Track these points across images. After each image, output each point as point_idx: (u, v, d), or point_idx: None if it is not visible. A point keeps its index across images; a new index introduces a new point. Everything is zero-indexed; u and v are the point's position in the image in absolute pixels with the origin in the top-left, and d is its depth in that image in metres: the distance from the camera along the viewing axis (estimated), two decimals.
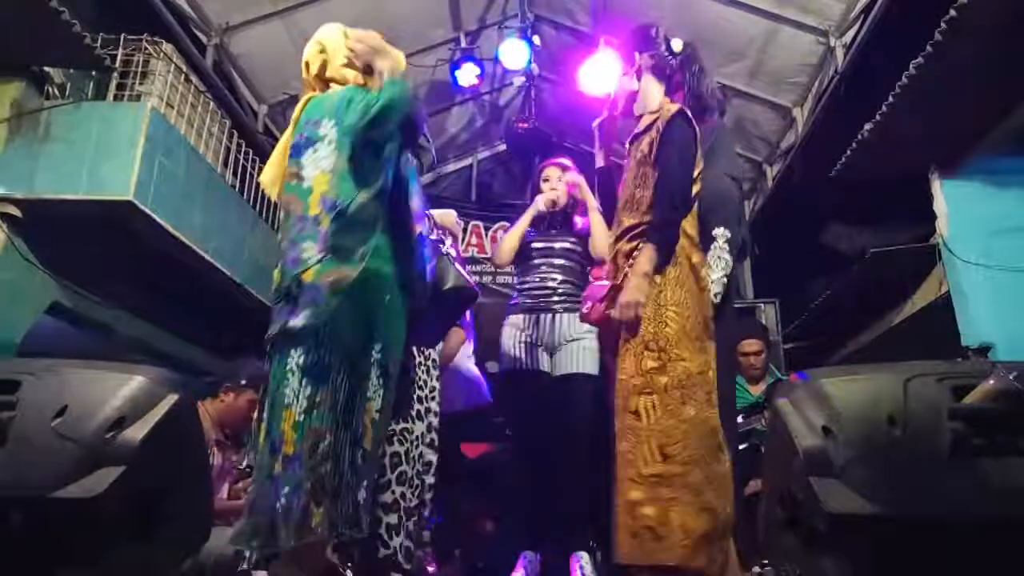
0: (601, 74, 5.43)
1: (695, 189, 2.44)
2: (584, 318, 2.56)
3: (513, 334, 3.21)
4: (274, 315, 1.97)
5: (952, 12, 3.22)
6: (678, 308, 2.28)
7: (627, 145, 2.62)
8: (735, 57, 5.63)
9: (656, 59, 2.58)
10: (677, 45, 2.60)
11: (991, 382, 1.38)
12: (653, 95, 2.56)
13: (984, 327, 3.94)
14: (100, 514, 1.47)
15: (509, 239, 3.36)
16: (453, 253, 2.53)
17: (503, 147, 7.84)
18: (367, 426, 1.90)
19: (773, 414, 1.67)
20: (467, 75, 6.16)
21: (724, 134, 3.03)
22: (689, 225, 2.40)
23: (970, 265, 4.08)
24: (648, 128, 2.47)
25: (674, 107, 2.47)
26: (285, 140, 2.19)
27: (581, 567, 2.88)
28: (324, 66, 2.24)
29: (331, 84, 2.23)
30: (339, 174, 1.99)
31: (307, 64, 2.28)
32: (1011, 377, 1.37)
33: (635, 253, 2.36)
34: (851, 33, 4.79)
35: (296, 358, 1.86)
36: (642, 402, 2.19)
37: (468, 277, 2.41)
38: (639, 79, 2.57)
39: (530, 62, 6.23)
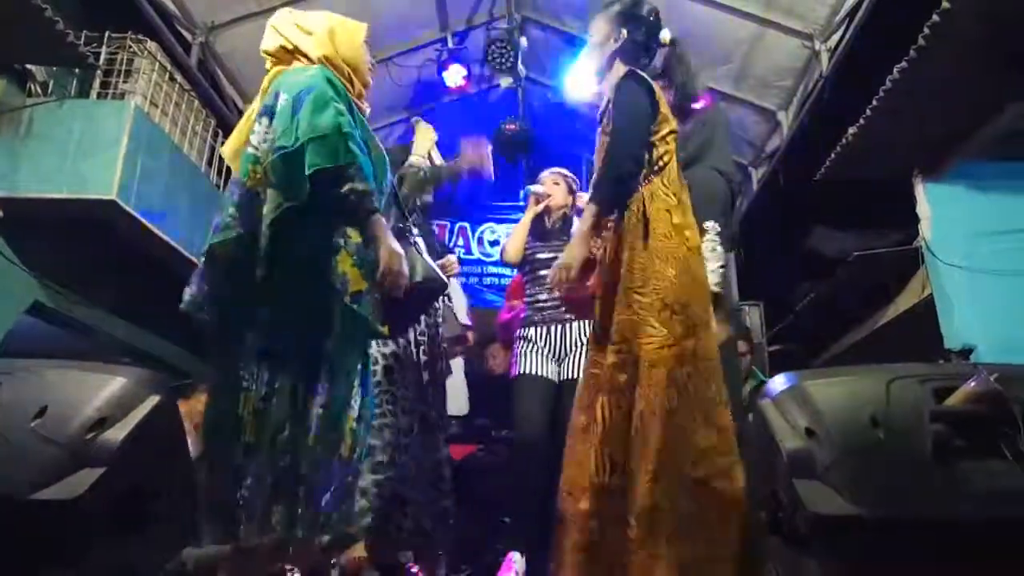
0: (588, 78, 5.44)
1: (663, 149, 2.31)
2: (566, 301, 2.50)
3: (523, 345, 3.23)
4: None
5: (935, 17, 3.25)
6: (645, 288, 2.14)
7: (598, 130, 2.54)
8: (721, 60, 5.65)
9: (637, 44, 2.49)
10: (665, 36, 2.54)
11: (972, 384, 1.40)
12: (617, 73, 2.43)
13: (967, 329, 3.97)
14: (81, 515, 1.45)
15: (513, 238, 3.38)
16: (422, 245, 2.50)
17: (490, 149, 7.83)
18: (345, 433, 1.86)
19: (757, 416, 1.68)
20: (454, 76, 6.15)
21: (718, 129, 3.02)
22: (679, 214, 2.30)
23: (953, 268, 4.11)
24: (607, 104, 2.41)
25: (622, 69, 2.39)
26: (249, 111, 2.14)
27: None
28: (298, 44, 2.16)
29: (290, 53, 2.16)
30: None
31: (276, 38, 2.21)
32: (992, 379, 1.38)
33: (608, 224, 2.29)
34: (836, 37, 4.81)
35: (250, 341, 1.83)
36: (592, 399, 2.12)
37: (436, 268, 2.37)
38: (613, 56, 2.49)
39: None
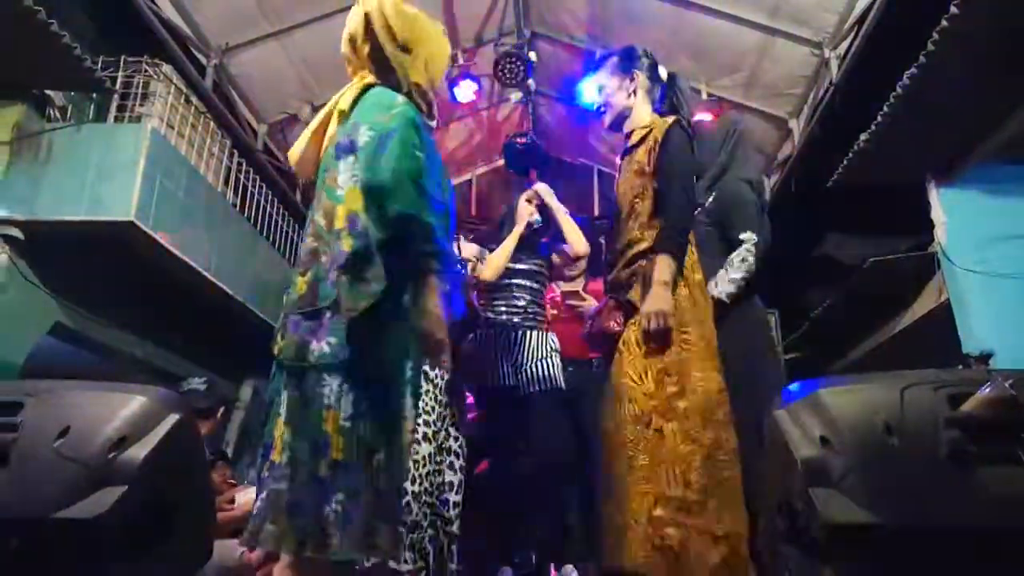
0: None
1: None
2: (590, 334, 2.54)
3: (485, 352, 3.25)
4: (291, 326, 1.80)
5: (944, 21, 3.25)
6: (695, 328, 2.28)
7: (619, 160, 2.63)
8: (731, 70, 5.67)
9: (651, 81, 2.60)
10: (663, 72, 2.64)
11: (987, 390, 1.39)
12: (643, 112, 2.58)
13: (984, 335, 3.94)
14: (102, 534, 1.47)
15: (499, 259, 3.35)
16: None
17: (502, 162, 7.89)
18: (405, 448, 1.84)
19: (772, 425, 1.68)
20: (465, 91, 6.20)
21: (740, 138, 3.06)
22: (692, 244, 2.41)
23: (969, 273, 4.09)
24: (642, 140, 2.48)
25: (670, 119, 2.48)
26: (322, 120, 2.00)
27: None
28: (374, 47, 1.99)
29: (382, 68, 1.99)
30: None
31: (351, 39, 2.02)
32: (1007, 385, 1.37)
33: (641, 264, 2.36)
34: (845, 44, 4.82)
35: (338, 379, 1.75)
36: (665, 424, 2.18)
37: (475, 303, 2.41)
38: (635, 96, 2.59)
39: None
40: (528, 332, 3.24)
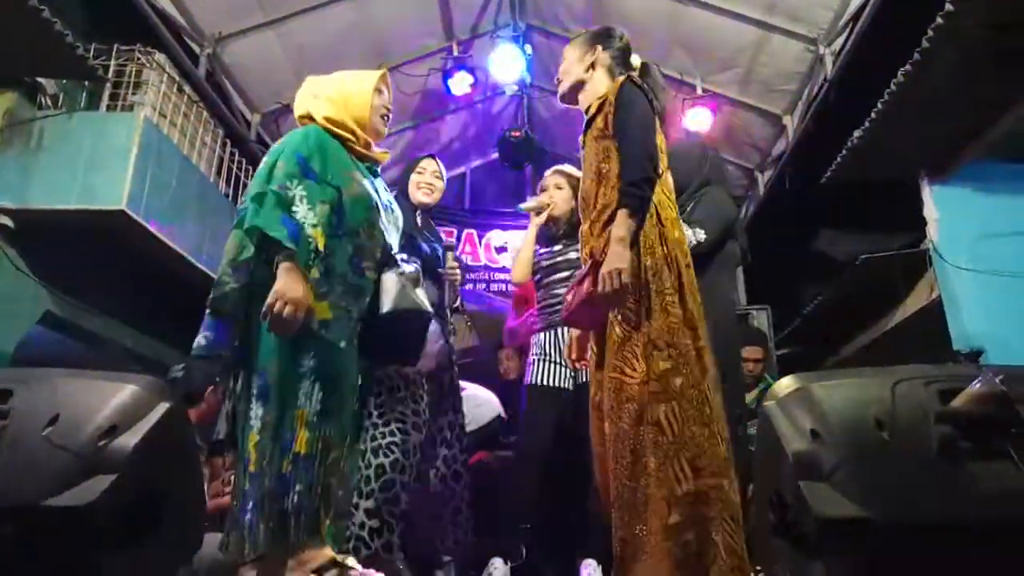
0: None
1: (660, 157, 2.33)
2: (567, 311, 2.44)
3: (537, 353, 3.23)
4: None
5: (939, 19, 3.26)
6: (676, 290, 2.14)
7: (581, 137, 2.54)
8: (726, 65, 5.67)
9: (614, 60, 2.52)
10: (636, 61, 2.57)
11: (978, 386, 1.39)
12: (600, 86, 2.44)
13: (975, 331, 3.97)
14: (93, 522, 1.46)
15: (519, 260, 3.33)
16: (409, 269, 2.45)
17: (496, 155, 7.87)
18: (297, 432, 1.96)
19: (763, 418, 1.68)
20: (460, 84, 6.18)
21: (718, 159, 3.14)
22: (667, 206, 2.30)
23: (960, 270, 4.11)
24: (599, 110, 2.39)
25: (617, 77, 2.38)
26: None
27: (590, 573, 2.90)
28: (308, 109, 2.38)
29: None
30: None
31: (299, 108, 2.43)
32: (998, 381, 1.38)
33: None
34: (840, 41, 4.82)
35: (309, 364, 2.01)
36: (663, 411, 1.99)
37: (420, 299, 2.34)
38: (593, 70, 2.51)
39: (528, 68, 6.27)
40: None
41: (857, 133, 4.17)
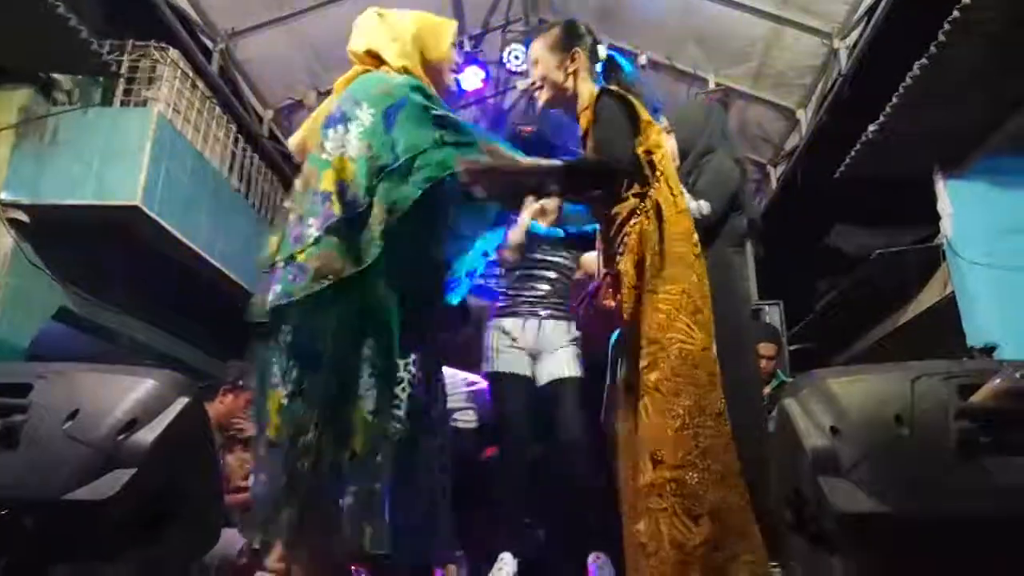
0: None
1: (659, 153, 2.33)
2: (579, 317, 2.46)
3: (499, 337, 3.23)
4: (259, 288, 1.85)
5: (955, 12, 3.23)
6: (671, 286, 2.10)
7: (581, 151, 2.55)
8: (739, 59, 5.64)
9: (590, 59, 2.50)
10: (602, 52, 2.55)
11: (998, 381, 1.39)
12: (587, 93, 2.41)
13: (989, 327, 3.94)
14: (111, 516, 1.48)
15: (516, 235, 3.33)
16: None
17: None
18: (357, 427, 1.79)
19: (781, 414, 1.67)
20: (471, 78, 6.17)
21: (725, 120, 3.06)
22: (687, 218, 2.31)
23: (975, 265, 4.08)
24: (588, 126, 2.41)
25: (596, 89, 2.35)
26: (322, 109, 2.07)
27: (598, 567, 2.90)
28: (380, 50, 2.08)
29: (381, 64, 2.07)
30: (361, 167, 1.84)
31: (361, 39, 2.11)
32: (1018, 376, 1.37)
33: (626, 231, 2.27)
34: (854, 35, 4.79)
35: (284, 334, 1.78)
36: (641, 405, 2.03)
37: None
38: (576, 78, 2.49)
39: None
40: (545, 322, 3.23)
41: (872, 127, 4.15)
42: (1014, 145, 4.11)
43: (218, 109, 5.29)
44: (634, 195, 2.23)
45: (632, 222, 2.22)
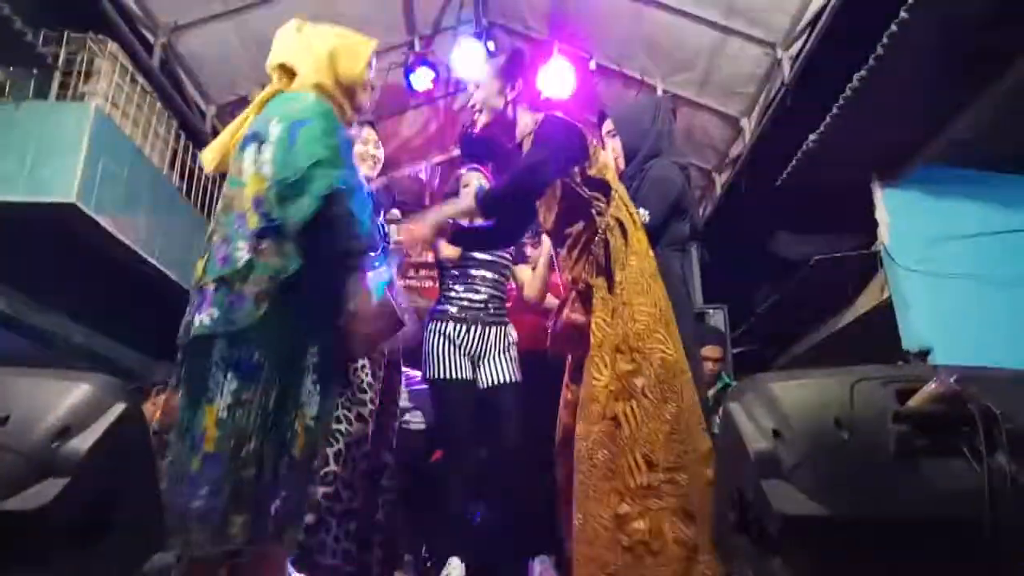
0: (557, 80, 5.58)
1: (609, 175, 2.43)
2: (555, 333, 2.50)
3: (441, 342, 3.22)
4: (191, 311, 1.87)
5: (894, 26, 3.33)
6: (644, 299, 2.25)
7: None
8: (686, 66, 5.73)
9: (526, 85, 2.60)
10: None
11: (933, 386, 1.43)
12: (527, 121, 2.54)
13: (923, 331, 4.08)
14: (44, 526, 1.42)
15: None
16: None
17: (457, 152, 7.84)
18: (298, 432, 1.84)
19: (725, 417, 1.70)
20: (421, 79, 6.14)
21: (670, 121, 3.11)
22: (630, 221, 2.39)
23: (910, 272, 4.22)
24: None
25: (540, 115, 2.49)
26: (237, 123, 2.09)
27: (539, 572, 2.91)
28: (295, 65, 2.10)
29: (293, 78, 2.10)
30: (272, 185, 1.88)
31: (278, 53, 2.14)
32: (952, 380, 1.42)
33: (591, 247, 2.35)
34: (797, 45, 4.91)
35: (220, 352, 1.80)
36: (621, 408, 2.13)
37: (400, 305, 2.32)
38: (515, 107, 2.56)
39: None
40: (488, 328, 3.23)
41: (812, 137, 4.25)
42: (948, 156, 4.26)
43: (159, 104, 5.15)
44: (596, 213, 2.31)
45: (596, 239, 2.29)
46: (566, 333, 2.37)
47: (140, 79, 4.91)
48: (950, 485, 1.34)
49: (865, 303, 4.83)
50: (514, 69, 2.55)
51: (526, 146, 2.51)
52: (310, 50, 2.11)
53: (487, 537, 3.47)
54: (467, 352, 3.21)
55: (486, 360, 3.22)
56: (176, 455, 1.80)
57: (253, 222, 1.86)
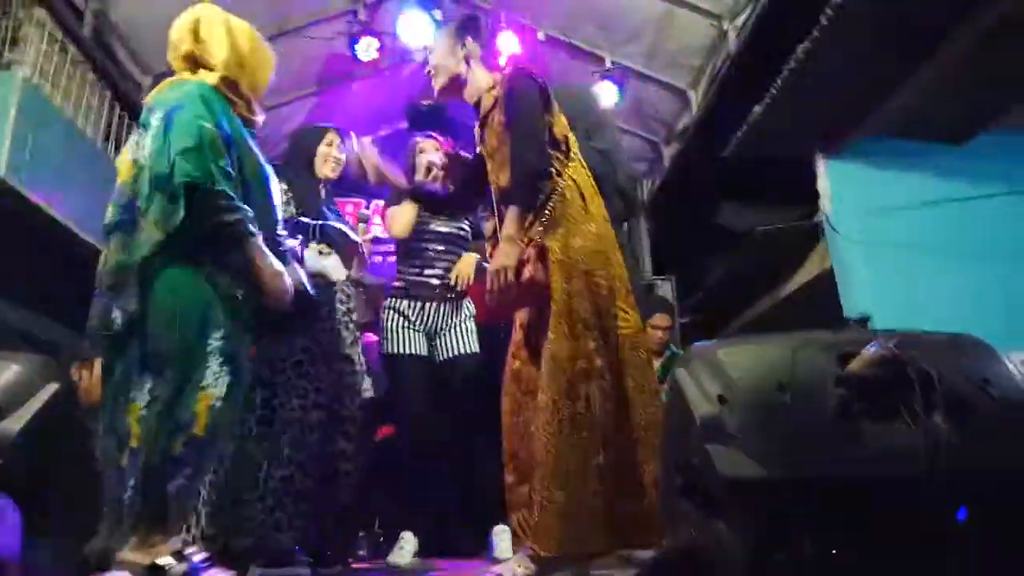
0: (505, 51, 5.54)
1: (567, 133, 2.42)
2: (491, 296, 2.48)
3: (395, 318, 3.21)
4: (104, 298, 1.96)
5: None
6: (604, 271, 2.27)
7: (477, 130, 2.59)
8: (633, 38, 5.73)
9: (483, 50, 2.58)
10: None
11: (872, 350, 1.47)
12: (482, 77, 2.53)
13: (864, 299, 4.18)
14: None
15: (404, 213, 3.29)
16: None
17: (404, 124, 7.73)
18: (198, 414, 1.84)
19: (672, 384, 1.73)
20: (366, 49, 6.01)
21: (599, 109, 3.10)
22: (588, 185, 2.39)
23: (851, 242, 4.31)
24: (495, 102, 2.46)
25: (498, 74, 2.47)
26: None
27: (499, 540, 2.94)
28: (193, 52, 2.18)
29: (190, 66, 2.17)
30: (145, 174, 1.99)
31: (175, 43, 2.24)
32: (891, 345, 1.45)
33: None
34: (743, 17, 4.94)
35: (135, 349, 1.86)
36: (587, 389, 2.16)
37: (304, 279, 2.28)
38: (468, 65, 2.54)
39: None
40: (443, 303, 3.21)
41: (756, 109, 4.29)
42: (888, 128, 4.34)
43: (92, 75, 4.94)
44: (556, 173, 2.29)
45: (552, 197, 2.27)
46: (527, 293, 2.33)
47: (71, 47, 4.70)
48: (887, 445, 1.38)
49: (808, 272, 4.93)
50: (463, 29, 2.52)
51: (485, 103, 2.47)
52: (203, 36, 2.19)
53: (442, 511, 3.48)
54: (423, 328, 3.19)
55: (443, 334, 3.21)
56: (104, 449, 1.81)
57: (110, 213, 2.07)
